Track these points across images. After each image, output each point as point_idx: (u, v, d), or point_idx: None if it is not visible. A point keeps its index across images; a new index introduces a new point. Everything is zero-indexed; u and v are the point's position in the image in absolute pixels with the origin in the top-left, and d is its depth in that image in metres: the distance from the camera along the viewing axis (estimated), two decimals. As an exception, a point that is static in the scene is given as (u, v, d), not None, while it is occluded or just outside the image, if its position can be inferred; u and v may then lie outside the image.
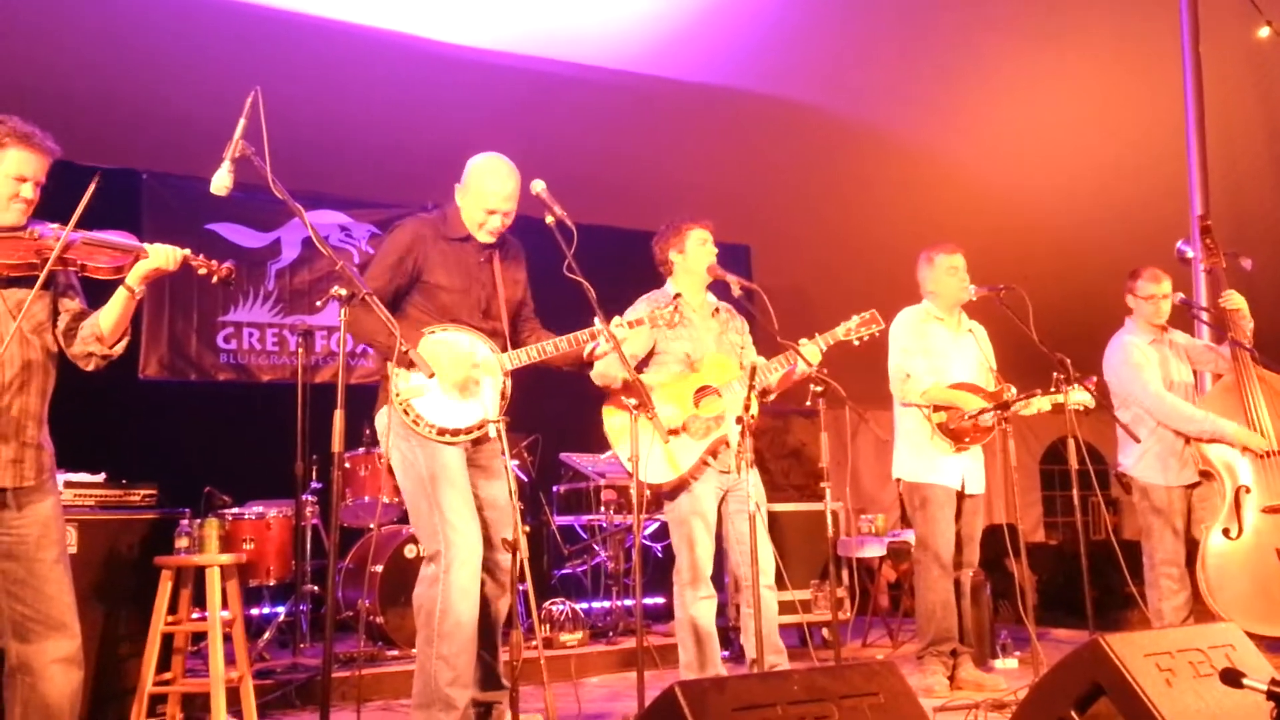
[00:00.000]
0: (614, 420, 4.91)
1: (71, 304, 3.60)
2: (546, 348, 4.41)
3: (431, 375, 4.05)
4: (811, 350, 4.79)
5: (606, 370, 4.79)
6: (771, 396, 5.08)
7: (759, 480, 4.85)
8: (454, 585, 4.12)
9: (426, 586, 4.20)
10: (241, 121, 3.55)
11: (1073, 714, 3.06)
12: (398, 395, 4.22)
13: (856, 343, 5.00)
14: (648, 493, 4.56)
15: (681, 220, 5.17)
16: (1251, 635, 3.59)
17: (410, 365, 4.12)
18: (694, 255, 5.09)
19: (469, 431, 4.26)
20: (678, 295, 5.11)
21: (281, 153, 3.56)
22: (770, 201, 8.71)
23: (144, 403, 7.91)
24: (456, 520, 4.18)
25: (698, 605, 4.82)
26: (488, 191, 4.37)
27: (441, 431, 4.22)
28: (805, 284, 8.85)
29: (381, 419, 4.35)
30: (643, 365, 5.03)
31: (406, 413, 4.21)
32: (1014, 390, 5.50)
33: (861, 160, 8.80)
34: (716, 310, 5.16)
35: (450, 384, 4.22)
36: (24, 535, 3.40)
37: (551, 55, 7.39)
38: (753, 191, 8.73)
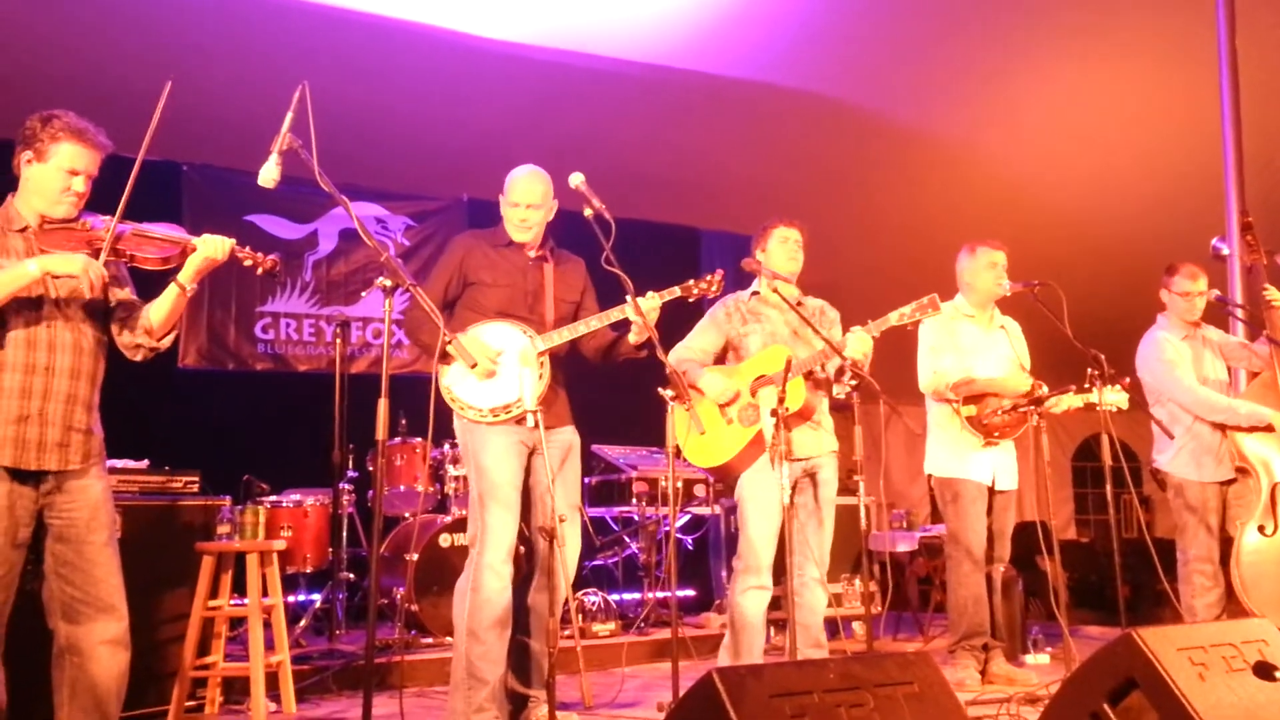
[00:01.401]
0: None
1: (122, 294, 3.68)
2: (578, 327, 4.59)
3: (474, 366, 4.32)
4: (862, 338, 4.80)
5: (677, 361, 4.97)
6: (837, 389, 5.09)
7: (834, 473, 4.96)
8: (485, 563, 4.35)
9: (467, 571, 4.43)
10: (289, 116, 3.61)
11: (1105, 707, 3.07)
12: (443, 384, 4.46)
13: (910, 327, 5.01)
14: (679, 484, 4.61)
15: (768, 220, 5.27)
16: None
17: (447, 359, 4.41)
18: (775, 253, 5.17)
19: (508, 409, 4.44)
20: (755, 293, 5.19)
21: (319, 145, 3.62)
22: (805, 196, 8.70)
23: (183, 391, 8.01)
24: (492, 503, 4.41)
25: (746, 594, 4.88)
26: (513, 189, 4.71)
27: (482, 412, 4.45)
28: (839, 278, 8.83)
29: (457, 420, 4.59)
30: (722, 359, 5.17)
31: (453, 400, 4.46)
32: (1045, 388, 5.50)
33: (896, 155, 8.78)
34: (799, 303, 5.20)
35: (479, 372, 4.42)
36: (74, 518, 3.48)
37: (587, 50, 7.41)
38: (787, 186, 8.74)
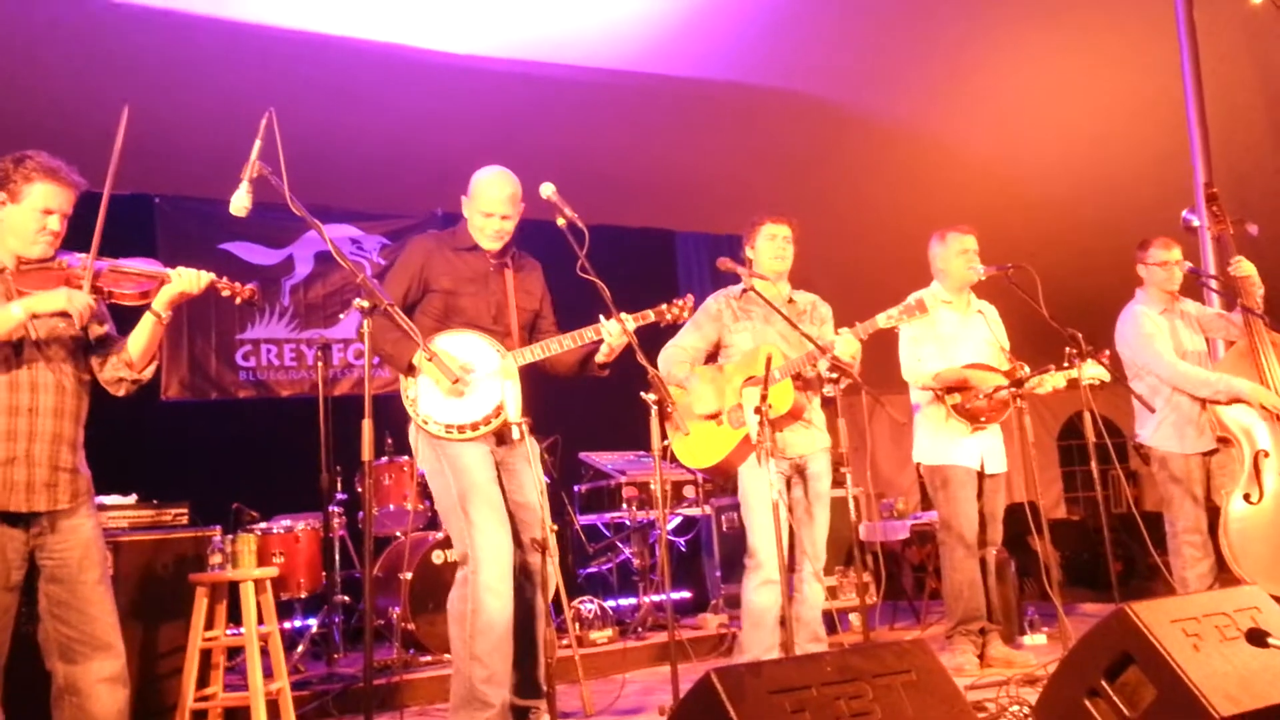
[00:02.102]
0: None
1: (102, 330, 3.68)
2: (551, 345, 4.50)
3: (456, 381, 4.20)
4: (849, 340, 4.83)
5: (664, 370, 4.94)
6: (828, 389, 5.11)
7: (827, 468, 4.98)
8: (482, 584, 4.22)
9: (458, 588, 4.31)
10: (257, 143, 3.62)
11: (1103, 683, 3.11)
12: (408, 399, 4.36)
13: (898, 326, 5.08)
14: (669, 486, 4.62)
15: (756, 216, 5.28)
16: (1277, 599, 3.63)
17: (413, 371, 4.33)
18: (761, 250, 5.20)
19: (478, 426, 4.34)
20: (745, 290, 5.20)
21: (290, 169, 3.62)
22: (774, 192, 8.72)
23: (167, 423, 7.97)
24: (481, 521, 4.28)
25: (757, 591, 4.93)
26: (484, 197, 4.55)
27: (449, 428, 4.33)
28: (812, 273, 8.88)
29: (412, 432, 4.48)
30: (712, 359, 5.19)
31: (417, 414, 4.35)
32: (1027, 369, 5.54)
33: (863, 146, 8.83)
34: (791, 301, 5.21)
35: (445, 388, 4.32)
36: (66, 558, 3.47)
37: (551, 59, 7.43)
38: (759, 184, 8.77)
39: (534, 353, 4.49)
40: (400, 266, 4.58)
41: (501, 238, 4.58)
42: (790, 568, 4.75)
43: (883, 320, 4.94)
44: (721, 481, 5.03)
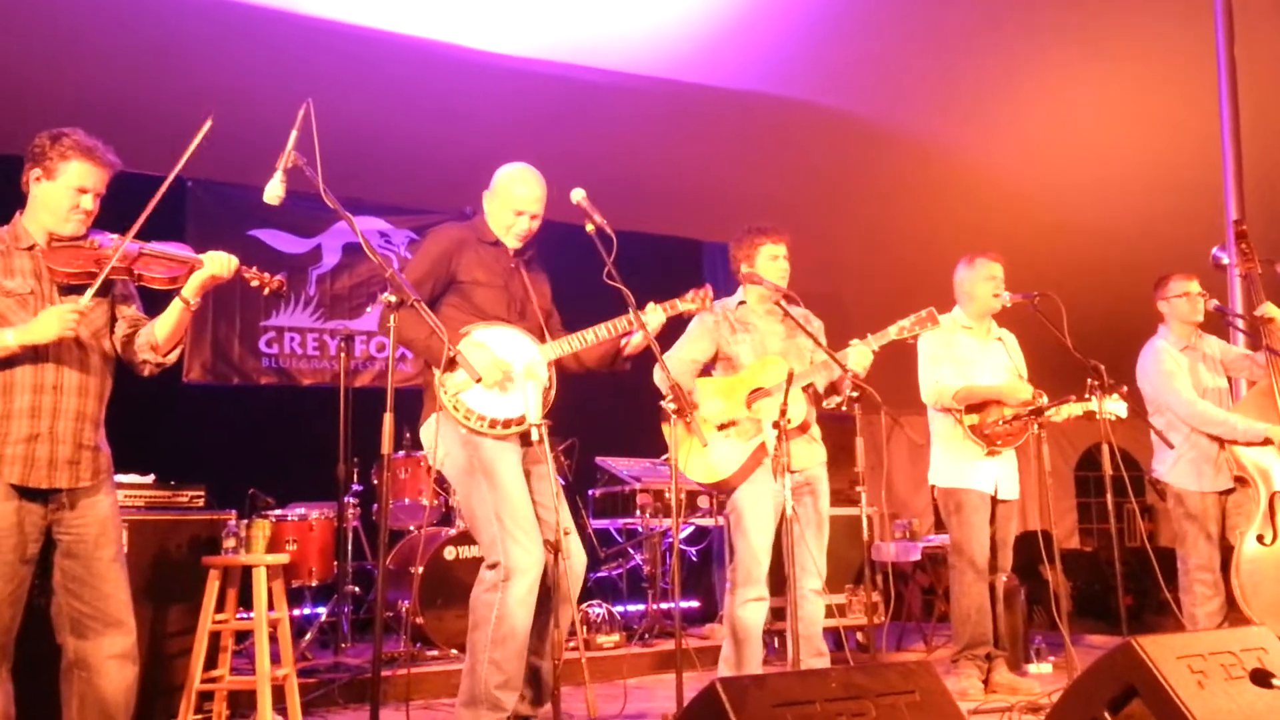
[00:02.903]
0: (669, 426, 5.01)
1: (129, 311, 3.71)
2: (587, 336, 4.46)
3: (478, 380, 4.16)
4: (862, 352, 4.83)
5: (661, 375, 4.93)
6: (828, 402, 5.11)
7: (826, 482, 4.96)
8: (512, 596, 4.15)
9: (484, 590, 4.23)
10: (294, 132, 3.64)
11: (1106, 715, 3.10)
12: (446, 392, 4.25)
13: (910, 340, 5.04)
14: (684, 496, 4.61)
15: (755, 232, 5.18)
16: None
17: (452, 366, 4.20)
18: (762, 269, 5.11)
19: (518, 422, 4.28)
20: (742, 302, 5.20)
21: (323, 160, 3.64)
22: (806, 207, 8.74)
23: (188, 406, 8.04)
24: (519, 533, 4.20)
25: (744, 607, 4.87)
26: (516, 194, 4.48)
27: (494, 423, 4.25)
28: (841, 289, 8.89)
29: (429, 429, 4.38)
30: (709, 369, 5.14)
31: (457, 408, 4.24)
32: (1045, 398, 5.53)
33: (898, 165, 8.82)
34: (786, 315, 5.21)
35: (490, 382, 4.24)
36: (83, 534, 3.50)
37: (587, 63, 7.45)
38: (788, 197, 8.77)
39: (570, 344, 4.43)
40: (425, 254, 4.45)
41: (527, 237, 4.54)
42: (789, 583, 4.76)
43: (894, 332, 4.92)
44: (722, 497, 4.98)
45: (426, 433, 4.40)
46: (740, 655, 4.87)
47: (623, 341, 4.58)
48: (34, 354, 3.46)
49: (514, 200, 4.48)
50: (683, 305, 4.66)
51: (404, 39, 6.98)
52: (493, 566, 4.22)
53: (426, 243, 4.58)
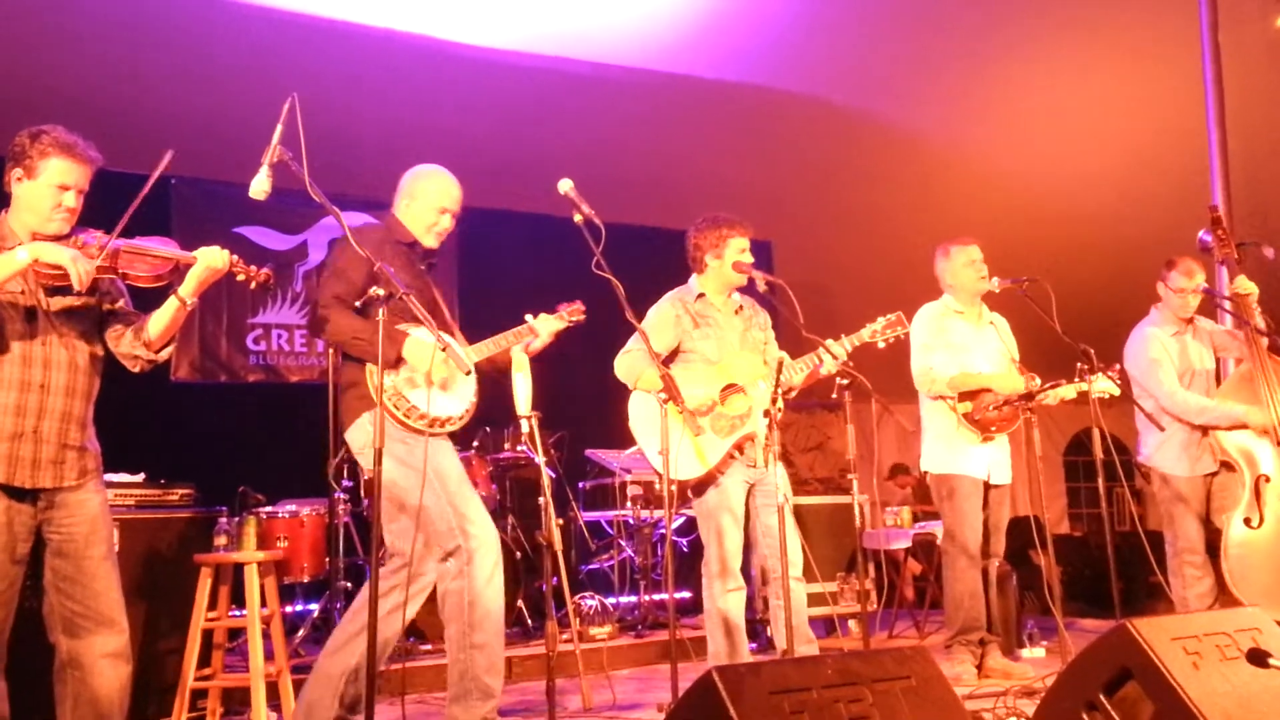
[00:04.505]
0: (639, 410, 4.96)
1: (117, 307, 3.68)
2: (500, 342, 4.51)
3: (469, 372, 4.21)
4: (837, 351, 4.82)
5: (630, 367, 4.90)
6: (794, 393, 5.11)
7: (785, 474, 4.90)
8: (478, 575, 4.21)
9: (450, 580, 4.26)
10: (279, 127, 3.62)
11: (1101, 698, 3.10)
12: (389, 392, 4.19)
13: (882, 344, 5.02)
14: (673, 487, 4.59)
15: (723, 224, 5.12)
16: (1278, 623, 3.62)
17: (398, 367, 4.23)
18: (730, 263, 5.07)
19: (460, 419, 4.38)
20: (700, 295, 5.16)
21: (307, 155, 3.62)
22: (793, 197, 8.75)
23: (176, 404, 8.02)
24: (472, 513, 4.27)
25: (727, 598, 4.87)
26: (441, 192, 4.51)
27: (434, 422, 4.28)
28: (828, 280, 8.89)
29: (360, 430, 4.34)
30: (667, 363, 5.03)
31: (398, 406, 4.22)
32: (1038, 381, 5.54)
33: (883, 154, 8.83)
34: (740, 308, 5.18)
35: (436, 378, 4.28)
36: (73, 533, 3.48)
37: (572, 55, 7.44)
38: (775, 187, 8.77)
39: (487, 348, 4.49)
40: (352, 259, 4.20)
41: (444, 235, 4.57)
42: (770, 573, 4.74)
43: (866, 334, 4.95)
44: (690, 491, 4.93)
45: (357, 434, 4.37)
46: (733, 644, 4.86)
47: (532, 345, 4.59)
48: (22, 353, 3.44)
49: (440, 199, 4.49)
50: (560, 323, 4.67)
51: (389, 33, 6.97)
52: (451, 554, 4.24)
53: (350, 249, 4.16)
